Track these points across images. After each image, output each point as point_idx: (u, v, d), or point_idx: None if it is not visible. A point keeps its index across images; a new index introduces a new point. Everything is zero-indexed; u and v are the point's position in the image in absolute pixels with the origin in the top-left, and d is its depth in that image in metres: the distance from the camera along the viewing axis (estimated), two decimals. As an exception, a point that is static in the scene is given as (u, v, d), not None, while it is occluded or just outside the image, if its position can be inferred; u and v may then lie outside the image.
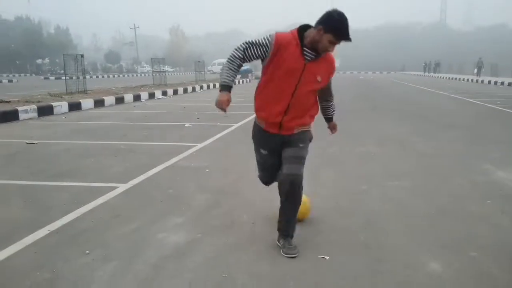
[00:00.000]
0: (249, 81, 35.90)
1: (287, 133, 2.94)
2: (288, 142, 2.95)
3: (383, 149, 6.70)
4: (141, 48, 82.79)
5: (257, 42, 2.77)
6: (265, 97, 2.89)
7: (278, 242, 3.09)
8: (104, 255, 2.99)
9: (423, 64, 54.12)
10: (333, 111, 3.31)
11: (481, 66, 37.06)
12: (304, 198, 3.12)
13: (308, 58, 2.77)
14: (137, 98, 15.97)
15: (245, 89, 15.36)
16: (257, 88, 2.96)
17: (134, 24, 78.38)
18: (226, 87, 2.76)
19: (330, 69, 2.92)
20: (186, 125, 9.20)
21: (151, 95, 17.14)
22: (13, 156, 6.23)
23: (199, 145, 6.90)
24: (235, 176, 5.07)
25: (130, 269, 2.80)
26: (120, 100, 14.77)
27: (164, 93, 18.37)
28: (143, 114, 11.60)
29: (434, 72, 49.04)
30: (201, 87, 23.10)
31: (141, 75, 59.36)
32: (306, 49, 2.75)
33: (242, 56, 2.78)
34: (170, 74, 43.38)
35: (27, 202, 4.14)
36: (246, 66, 52.67)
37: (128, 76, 56.72)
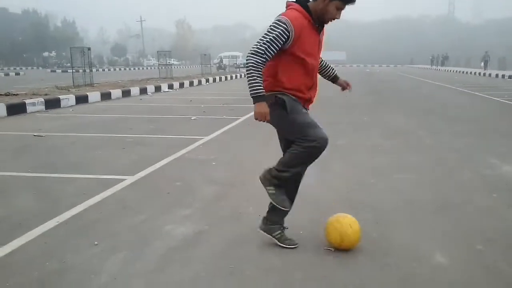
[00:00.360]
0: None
1: (308, 105, 2.94)
2: None
3: (390, 142, 6.69)
4: (147, 41, 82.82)
5: (276, 37, 2.59)
6: (296, 78, 2.75)
7: (269, 233, 3.01)
8: (112, 246, 3.03)
9: (430, 58, 53.72)
10: (332, 68, 3.24)
11: (488, 59, 36.77)
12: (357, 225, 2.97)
13: (319, 32, 2.79)
14: (143, 91, 16.01)
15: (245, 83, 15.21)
16: (277, 66, 2.72)
17: (141, 17, 78.42)
18: (261, 98, 2.62)
19: (323, 34, 2.90)
20: (192, 118, 9.22)
21: (157, 88, 17.16)
22: (22, 148, 6.29)
23: (206, 138, 6.92)
24: (242, 168, 5.09)
25: (138, 259, 2.83)
26: (126, 93, 14.82)
27: (170, 86, 18.40)
28: (149, 107, 11.63)
29: (442, 66, 48.67)
30: (207, 80, 23.09)
31: (147, 68, 59.41)
32: (316, 24, 2.75)
33: (265, 60, 2.60)
34: (176, 67, 43.40)
35: (36, 194, 4.19)
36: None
37: (134, 69, 56.79)
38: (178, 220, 3.52)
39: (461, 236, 3.20)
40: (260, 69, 2.60)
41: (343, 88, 3.27)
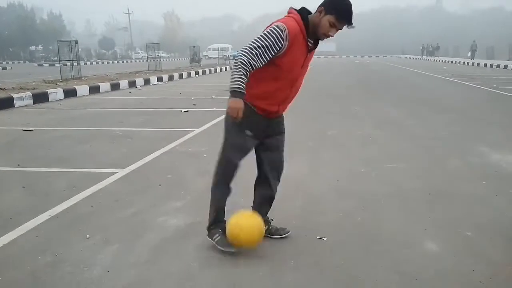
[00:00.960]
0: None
1: (274, 118, 2.81)
2: (273, 129, 2.84)
3: (380, 132, 6.73)
4: (135, 34, 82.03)
5: (271, 43, 2.47)
6: (268, 88, 2.64)
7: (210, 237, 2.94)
8: (104, 238, 3.02)
9: (421, 48, 53.92)
10: None
11: (475, 49, 37.09)
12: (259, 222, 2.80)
13: (309, 48, 2.65)
14: (132, 84, 15.88)
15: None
16: (256, 74, 2.58)
17: (128, 9, 77.52)
18: (240, 94, 2.46)
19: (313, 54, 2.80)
20: (182, 110, 9.18)
21: (147, 81, 17.04)
22: (10, 143, 6.22)
23: (196, 130, 6.91)
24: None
25: (131, 252, 2.84)
26: (115, 87, 14.69)
27: (160, 79, 18.27)
28: (139, 100, 11.56)
29: (431, 56, 48.92)
30: (197, 73, 22.97)
31: (135, 61, 58.88)
32: (309, 40, 2.62)
33: (256, 65, 2.48)
34: (165, 60, 43.05)
35: (26, 188, 4.16)
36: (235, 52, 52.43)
37: (122, 62, 56.24)
38: (170, 212, 3.52)
39: (451, 223, 3.25)
40: (248, 70, 2.45)
41: None
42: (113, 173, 4.55)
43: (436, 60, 41.05)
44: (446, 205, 3.63)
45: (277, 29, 2.48)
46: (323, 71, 24.85)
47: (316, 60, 51.99)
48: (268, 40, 2.47)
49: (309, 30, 2.59)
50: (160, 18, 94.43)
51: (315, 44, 2.68)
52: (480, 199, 3.75)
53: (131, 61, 58.46)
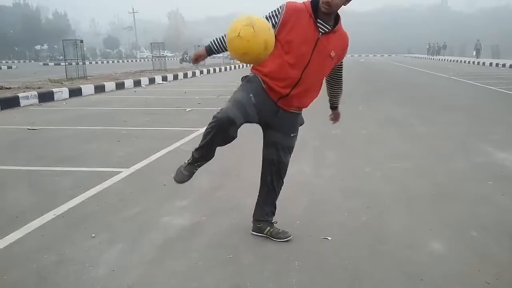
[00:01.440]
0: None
1: (284, 107, 2.75)
2: (280, 123, 2.78)
3: (384, 131, 6.72)
4: (140, 33, 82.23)
5: (271, 15, 2.59)
6: (274, 65, 2.61)
7: (261, 232, 3.01)
8: (110, 238, 3.03)
9: (427, 47, 53.66)
10: (339, 97, 3.17)
11: (480, 48, 36.94)
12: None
13: (322, 31, 2.59)
14: (137, 83, 15.93)
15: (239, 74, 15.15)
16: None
17: (133, 8, 77.73)
18: (209, 49, 2.72)
19: (344, 44, 2.73)
20: (187, 109, 9.20)
21: (151, 80, 17.08)
22: (16, 142, 6.26)
23: (201, 129, 6.89)
24: (237, 158, 5.09)
25: (136, 251, 2.84)
26: (120, 86, 14.74)
27: (164, 78, 18.32)
28: (144, 99, 11.59)
29: (437, 55, 48.74)
30: (201, 72, 23.01)
31: (140, 60, 59.04)
32: (320, 21, 2.58)
33: None
34: (169, 59, 43.12)
35: (32, 187, 4.18)
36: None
37: (127, 61, 56.40)
38: (175, 211, 3.53)
39: (456, 223, 3.23)
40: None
41: (333, 119, 3.30)
42: (119, 172, 4.57)
43: (442, 59, 40.87)
44: (451, 205, 3.61)
45: (277, 8, 2.61)
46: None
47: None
48: (269, 15, 2.60)
49: (318, 11, 2.55)
50: (164, 18, 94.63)
51: (332, 28, 2.61)
52: (486, 199, 3.73)
53: (136, 61, 58.61)
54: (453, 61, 36.43)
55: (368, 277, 2.50)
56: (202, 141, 2.73)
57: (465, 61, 33.63)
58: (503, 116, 8.11)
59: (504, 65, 25.77)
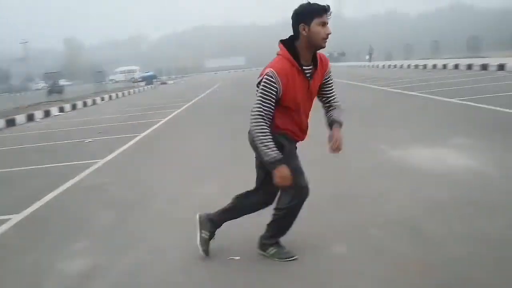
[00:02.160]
0: (154, 87, 35.24)
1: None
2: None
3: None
4: (36, 63, 76.92)
5: (267, 95, 2.58)
6: (288, 123, 2.75)
7: (264, 251, 2.95)
8: (-7, 298, 2.69)
9: (328, 55, 56.94)
10: (338, 107, 3.15)
11: (372, 52, 40.06)
12: None
13: (309, 76, 2.66)
14: (30, 117, 14.77)
15: (153, 94, 14.49)
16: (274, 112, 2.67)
17: (23, 39, 72.72)
18: (278, 162, 2.60)
19: (325, 69, 2.81)
20: (86, 141, 8.66)
21: (47, 113, 15.97)
22: None
23: (101, 161, 6.52)
24: (141, 189, 4.86)
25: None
26: (10, 123, 13.52)
27: (61, 109, 17.23)
28: (38, 134, 10.73)
29: (337, 62, 51.91)
30: (102, 99, 22.03)
31: (35, 92, 55.17)
32: (305, 67, 2.64)
33: (268, 120, 2.60)
34: (68, 88, 40.78)
35: None
36: (150, 72, 51.29)
37: (20, 94, 52.37)
38: (73, 255, 3.25)
39: (358, 223, 3.34)
40: (266, 132, 2.58)
41: (331, 147, 3.01)
42: (7, 220, 4.13)
43: (339, 66, 43.60)
44: (353, 205, 3.73)
45: (268, 79, 2.56)
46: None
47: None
48: (266, 93, 2.57)
49: (300, 59, 2.60)
50: (61, 45, 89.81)
51: (315, 66, 2.68)
52: (385, 196, 3.89)
53: (30, 93, 54.68)
54: (349, 66, 38.98)
55: None
56: (288, 218, 2.89)
57: (360, 65, 36.19)
58: (395, 115, 8.71)
59: (395, 66, 28.26)
